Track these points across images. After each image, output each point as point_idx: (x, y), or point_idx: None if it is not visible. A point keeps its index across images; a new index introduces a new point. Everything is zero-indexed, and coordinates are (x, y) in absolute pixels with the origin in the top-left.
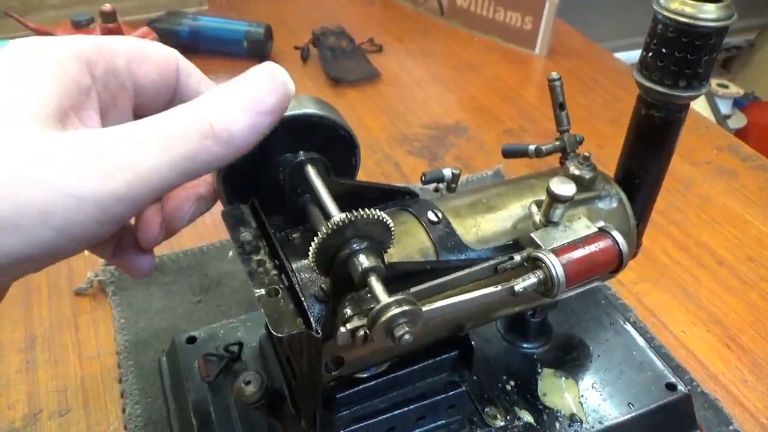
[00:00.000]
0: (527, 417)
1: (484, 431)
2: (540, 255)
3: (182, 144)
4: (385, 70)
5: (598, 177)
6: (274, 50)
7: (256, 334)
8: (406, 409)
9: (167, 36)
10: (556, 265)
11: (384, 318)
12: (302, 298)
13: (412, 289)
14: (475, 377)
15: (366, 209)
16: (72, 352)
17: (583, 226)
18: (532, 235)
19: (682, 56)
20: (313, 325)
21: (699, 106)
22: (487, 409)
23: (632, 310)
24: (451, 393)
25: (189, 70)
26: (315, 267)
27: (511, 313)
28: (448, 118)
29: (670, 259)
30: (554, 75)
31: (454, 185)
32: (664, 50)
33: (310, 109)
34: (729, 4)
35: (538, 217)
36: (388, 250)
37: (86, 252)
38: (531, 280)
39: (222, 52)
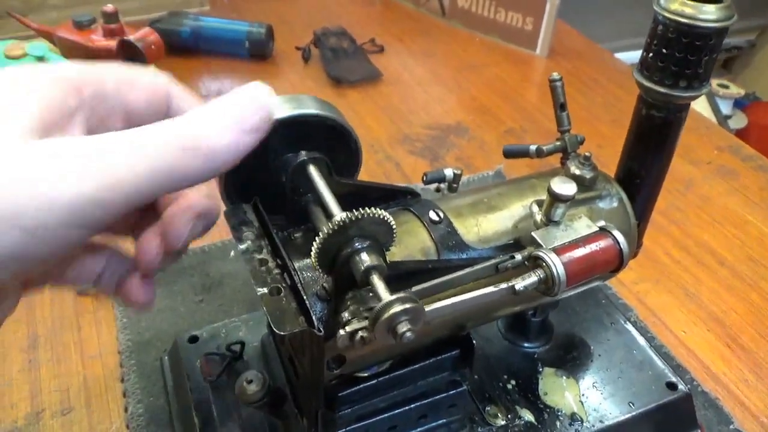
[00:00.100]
0: (528, 416)
1: (485, 430)
2: (541, 254)
3: (161, 155)
4: (387, 71)
5: (598, 177)
6: (275, 51)
7: (258, 333)
8: (407, 407)
9: (169, 36)
10: (556, 264)
11: (386, 315)
12: (304, 297)
13: (414, 288)
14: (476, 376)
15: (368, 208)
16: (74, 352)
17: (583, 226)
18: (533, 234)
19: (683, 57)
20: (315, 323)
21: (700, 106)
22: (488, 408)
23: (633, 310)
24: (452, 392)
25: (181, 95)
26: (317, 266)
27: (513, 313)
28: (449, 119)
29: (671, 259)
30: (555, 75)
31: (455, 185)
32: (664, 51)
33: (312, 109)
34: (729, 5)
35: (539, 217)
36: (389, 249)
37: None
38: (531, 278)
39: (223, 52)
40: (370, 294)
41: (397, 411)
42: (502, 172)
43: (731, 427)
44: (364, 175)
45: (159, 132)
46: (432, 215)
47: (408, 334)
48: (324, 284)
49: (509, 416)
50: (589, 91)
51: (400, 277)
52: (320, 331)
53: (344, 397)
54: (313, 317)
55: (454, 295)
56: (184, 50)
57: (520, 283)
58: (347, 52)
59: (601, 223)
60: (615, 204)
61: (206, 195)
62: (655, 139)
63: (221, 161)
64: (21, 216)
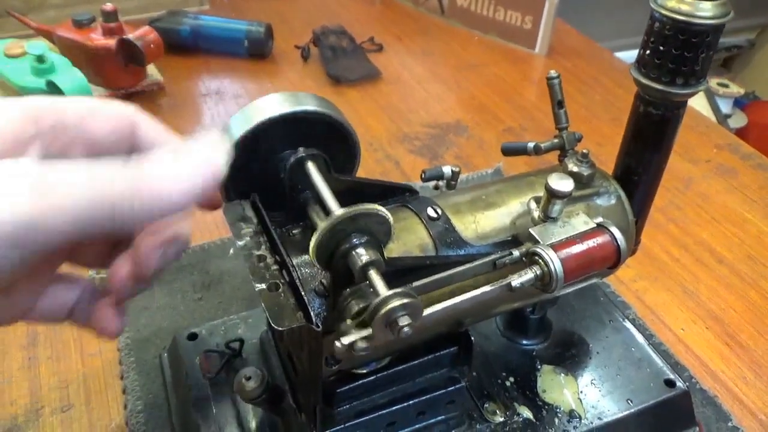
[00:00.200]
0: (526, 413)
1: (483, 427)
2: (538, 250)
3: (105, 189)
4: (386, 69)
5: (596, 174)
6: (274, 49)
7: (257, 330)
8: (405, 404)
9: (168, 35)
10: (554, 260)
11: (384, 310)
12: (303, 293)
13: (412, 285)
14: (474, 373)
15: (366, 204)
16: (74, 349)
17: (581, 222)
18: (530, 230)
19: (679, 54)
20: (314, 319)
21: (699, 105)
22: (486, 405)
23: (631, 308)
24: (450, 388)
25: (148, 125)
26: (315, 262)
27: (512, 309)
28: (449, 117)
29: (670, 257)
30: (553, 73)
31: (453, 183)
32: (661, 48)
33: (311, 106)
34: (725, 2)
35: (536, 213)
36: (387, 245)
37: None
38: (528, 275)
39: (223, 51)
40: (370, 290)
41: (395, 407)
42: (501, 170)
43: (729, 424)
44: (363, 173)
45: (109, 168)
46: (430, 212)
47: (406, 328)
48: (322, 280)
49: (507, 413)
50: (589, 89)
51: (398, 273)
52: (318, 327)
53: (343, 393)
54: (312, 313)
55: (451, 292)
56: (184, 49)
57: (516, 280)
58: (346, 51)
59: (599, 219)
60: (613, 201)
61: (172, 222)
62: (652, 137)
63: (166, 209)
64: None
